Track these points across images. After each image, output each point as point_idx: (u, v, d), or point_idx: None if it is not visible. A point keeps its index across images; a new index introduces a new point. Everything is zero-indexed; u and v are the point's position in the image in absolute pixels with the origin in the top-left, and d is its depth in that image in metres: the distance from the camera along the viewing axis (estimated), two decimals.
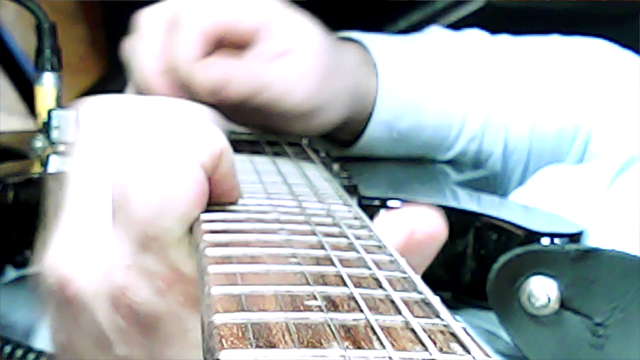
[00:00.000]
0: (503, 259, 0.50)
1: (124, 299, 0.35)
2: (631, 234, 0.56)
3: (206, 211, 0.39)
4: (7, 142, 0.79)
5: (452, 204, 0.61)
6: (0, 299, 0.63)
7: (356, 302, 0.30)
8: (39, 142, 0.69)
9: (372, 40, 0.73)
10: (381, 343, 0.27)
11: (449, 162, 0.76)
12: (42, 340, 0.61)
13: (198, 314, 0.35)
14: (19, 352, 0.57)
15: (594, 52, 0.79)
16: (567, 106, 0.76)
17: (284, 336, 0.27)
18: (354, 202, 0.46)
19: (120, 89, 0.68)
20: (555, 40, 0.79)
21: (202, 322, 0.30)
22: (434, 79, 0.74)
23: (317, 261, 0.34)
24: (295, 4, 0.66)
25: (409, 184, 0.72)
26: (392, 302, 0.30)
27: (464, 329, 0.28)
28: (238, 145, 0.59)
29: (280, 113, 0.63)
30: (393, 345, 0.26)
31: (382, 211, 0.41)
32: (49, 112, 0.70)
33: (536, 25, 0.80)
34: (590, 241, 0.54)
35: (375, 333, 0.27)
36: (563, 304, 0.49)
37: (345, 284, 0.31)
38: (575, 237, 0.54)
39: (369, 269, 0.33)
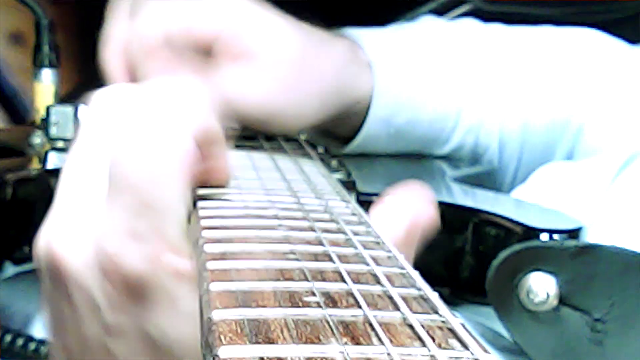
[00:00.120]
0: (502, 255, 0.50)
1: (114, 266, 0.36)
2: (632, 231, 0.56)
3: (204, 207, 0.39)
4: (5, 139, 0.79)
5: (451, 200, 0.61)
6: (0, 295, 0.63)
7: (354, 298, 0.30)
8: (38, 139, 0.69)
9: (366, 36, 0.73)
10: (380, 339, 0.27)
11: (447, 158, 0.76)
12: (41, 334, 0.61)
13: (189, 283, 0.35)
14: (20, 341, 0.57)
15: (587, 42, 0.79)
16: (559, 99, 0.76)
17: (282, 332, 0.27)
18: (352, 198, 0.46)
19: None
20: (548, 31, 0.79)
21: (201, 318, 0.30)
22: (429, 72, 0.74)
23: (316, 257, 0.34)
24: (290, 2, 0.66)
25: (406, 180, 0.72)
26: (391, 298, 0.30)
27: (463, 325, 0.28)
28: (236, 140, 0.59)
29: (239, 116, 0.63)
30: (391, 341, 0.26)
31: (379, 200, 0.41)
32: (48, 108, 0.70)
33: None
34: (590, 237, 0.54)
35: (373, 329, 0.27)
36: (562, 300, 0.49)
37: (343, 280, 0.31)
38: (574, 233, 0.54)
39: (367, 264, 0.33)
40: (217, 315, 0.28)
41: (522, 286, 0.49)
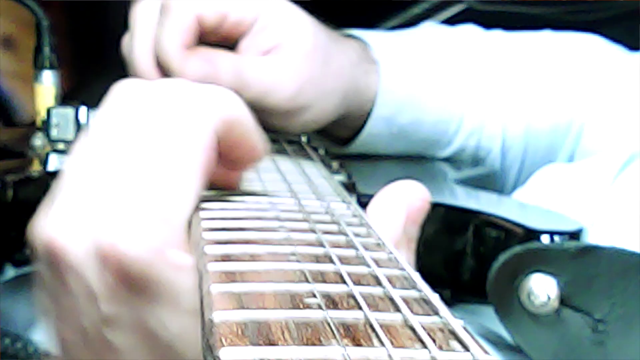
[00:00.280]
0: (503, 257, 0.50)
1: (115, 254, 0.35)
2: (632, 231, 0.56)
3: (206, 209, 0.39)
4: (6, 140, 0.79)
5: (452, 201, 0.61)
6: (0, 298, 0.63)
7: (355, 299, 0.30)
8: (38, 140, 0.69)
9: (373, 37, 0.73)
10: (380, 341, 0.27)
11: (448, 160, 0.76)
12: (41, 338, 0.61)
13: (190, 278, 0.35)
14: (19, 345, 0.57)
15: (586, 47, 0.79)
16: (561, 102, 0.76)
17: (283, 334, 0.27)
18: (353, 199, 0.46)
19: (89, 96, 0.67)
20: (547, 36, 0.80)
21: (202, 319, 0.30)
22: (433, 74, 0.74)
23: (317, 259, 0.34)
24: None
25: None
26: (392, 299, 0.30)
27: (464, 327, 0.28)
28: None
29: (265, 109, 0.63)
30: (392, 343, 0.26)
31: (374, 198, 0.42)
32: (48, 110, 0.70)
33: (515, 30, 0.80)
34: (591, 238, 0.54)
35: (374, 331, 0.27)
36: (563, 302, 0.49)
37: (344, 282, 0.31)
38: (575, 235, 0.54)
39: (368, 266, 0.33)
40: (218, 316, 0.28)
41: (523, 288, 0.49)
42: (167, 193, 0.36)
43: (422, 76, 0.73)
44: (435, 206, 0.55)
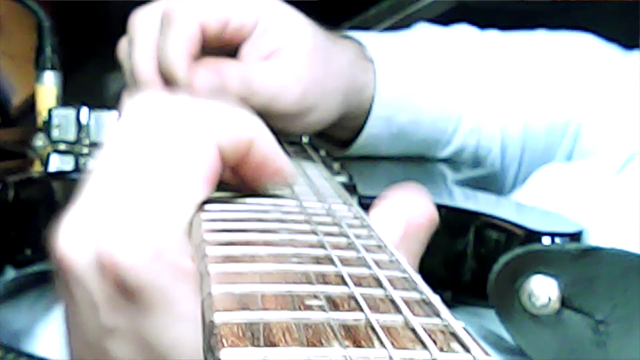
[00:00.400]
0: (503, 259, 0.50)
1: (112, 263, 0.35)
2: (632, 232, 0.56)
3: (207, 210, 0.39)
4: (7, 141, 0.79)
5: (453, 203, 0.61)
6: (0, 299, 0.63)
7: (357, 301, 0.30)
8: (40, 141, 0.70)
9: (368, 37, 0.73)
10: (382, 342, 0.27)
11: (448, 161, 0.76)
12: (43, 343, 0.61)
13: (186, 286, 0.35)
14: (10, 357, 0.57)
15: (581, 47, 0.79)
16: (557, 102, 0.76)
17: (284, 335, 0.27)
18: (354, 201, 0.46)
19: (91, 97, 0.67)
20: (542, 36, 0.80)
21: (203, 320, 0.30)
22: (430, 73, 0.74)
23: (318, 260, 0.34)
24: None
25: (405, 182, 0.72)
26: (393, 301, 0.30)
27: (464, 328, 0.28)
28: None
29: (273, 114, 0.63)
30: (393, 344, 0.26)
31: (375, 202, 0.42)
32: (50, 110, 0.70)
33: (508, 25, 0.80)
34: (591, 239, 0.54)
35: (375, 332, 0.27)
36: (564, 303, 0.49)
37: (345, 284, 0.31)
38: (575, 237, 0.54)
39: (370, 268, 0.33)
40: (219, 318, 0.28)
41: (524, 289, 0.49)
42: (164, 203, 0.36)
43: (419, 75, 0.74)
44: (436, 207, 0.55)
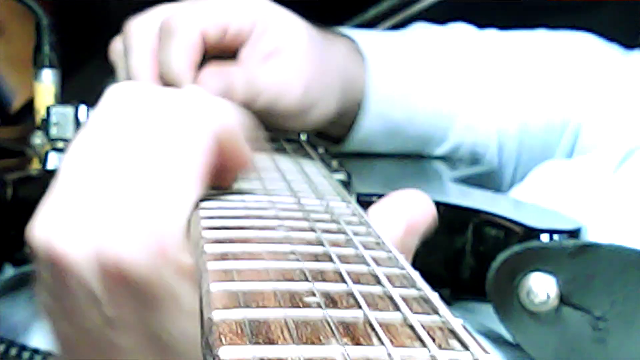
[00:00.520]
0: (502, 256, 0.50)
1: (115, 263, 0.36)
2: (631, 228, 0.56)
3: (205, 207, 0.39)
4: (5, 139, 0.79)
5: (451, 200, 0.61)
6: None
7: (355, 298, 0.30)
8: (38, 139, 0.69)
9: (359, 33, 0.73)
10: (380, 339, 0.27)
11: (446, 159, 0.76)
12: (41, 339, 0.61)
13: (190, 281, 0.35)
14: (13, 351, 0.57)
15: (580, 46, 0.79)
16: (555, 100, 0.76)
17: (282, 333, 0.27)
18: (352, 198, 0.46)
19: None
20: (541, 35, 0.80)
21: (201, 318, 0.30)
22: (423, 68, 0.74)
23: (316, 258, 0.34)
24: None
25: (406, 181, 0.72)
26: (391, 298, 0.30)
27: (463, 326, 0.28)
28: None
29: (277, 113, 0.63)
30: (392, 341, 0.26)
31: (375, 202, 0.42)
32: (48, 108, 0.70)
33: (499, 19, 0.80)
34: (590, 236, 0.54)
35: (374, 329, 0.27)
36: (562, 300, 0.49)
37: (344, 281, 0.31)
38: (574, 234, 0.54)
39: (368, 265, 0.33)
40: (217, 315, 0.28)
41: (523, 287, 0.49)
42: (164, 197, 0.36)
43: (412, 70, 0.74)
44: (434, 205, 0.55)
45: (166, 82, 0.61)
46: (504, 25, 0.80)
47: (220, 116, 0.39)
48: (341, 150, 0.73)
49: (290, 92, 0.64)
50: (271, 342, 0.26)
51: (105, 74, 0.67)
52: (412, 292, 0.31)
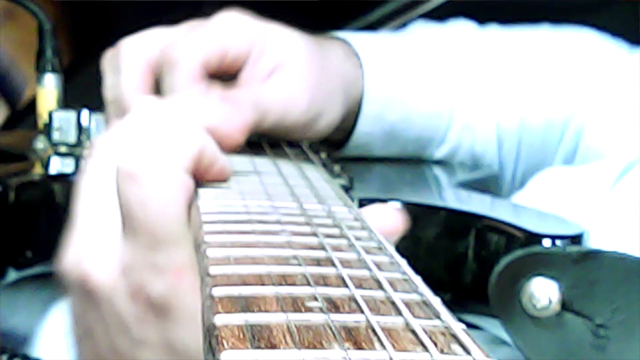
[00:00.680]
0: (504, 261, 0.50)
1: (142, 293, 0.39)
2: (632, 236, 0.56)
3: (207, 212, 0.39)
4: (8, 144, 0.79)
5: (454, 205, 0.61)
6: (1, 301, 0.63)
7: (357, 303, 0.30)
8: (40, 144, 0.70)
9: (354, 36, 0.73)
10: (382, 344, 0.27)
11: (447, 164, 0.76)
12: (43, 344, 0.61)
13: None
14: None
15: (585, 44, 0.79)
16: (556, 98, 0.76)
17: (284, 337, 0.27)
18: (354, 203, 0.46)
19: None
20: (544, 32, 0.80)
21: (203, 322, 0.30)
22: (419, 69, 0.74)
23: (318, 262, 0.34)
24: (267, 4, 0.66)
25: (407, 186, 0.72)
26: (393, 303, 0.30)
27: (465, 330, 0.28)
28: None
29: (287, 127, 0.63)
30: (394, 346, 0.26)
31: None
32: (50, 113, 0.70)
33: (505, 19, 0.80)
34: (592, 242, 0.54)
35: (376, 334, 0.27)
36: (564, 306, 0.49)
37: (346, 285, 0.31)
38: (576, 239, 0.54)
39: (370, 270, 0.33)
40: (219, 320, 0.28)
41: (525, 292, 0.49)
42: (166, 237, 0.39)
43: (408, 71, 0.74)
44: (436, 210, 0.55)
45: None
46: (506, 23, 0.80)
47: (195, 140, 0.42)
48: (342, 155, 0.73)
49: (297, 105, 0.64)
50: (273, 346, 0.26)
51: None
52: (414, 296, 0.31)
